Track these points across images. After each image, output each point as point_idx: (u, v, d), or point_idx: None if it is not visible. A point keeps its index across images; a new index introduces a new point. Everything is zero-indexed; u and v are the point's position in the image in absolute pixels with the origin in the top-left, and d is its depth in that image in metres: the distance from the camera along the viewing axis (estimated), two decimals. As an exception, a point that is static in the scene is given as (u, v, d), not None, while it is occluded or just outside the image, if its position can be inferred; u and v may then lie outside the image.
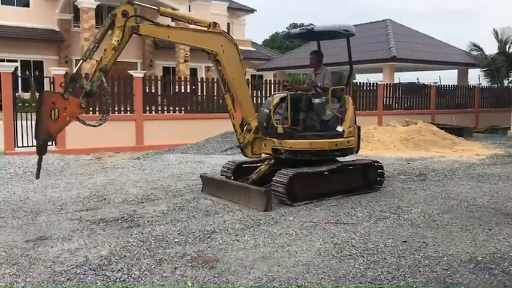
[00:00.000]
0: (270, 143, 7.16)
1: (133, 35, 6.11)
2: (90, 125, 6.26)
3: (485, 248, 4.88)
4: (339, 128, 7.34)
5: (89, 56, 5.89)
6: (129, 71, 13.58)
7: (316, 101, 7.36)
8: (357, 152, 7.80)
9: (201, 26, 6.59)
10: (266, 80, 16.16)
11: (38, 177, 5.99)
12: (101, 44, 6.01)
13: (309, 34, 7.95)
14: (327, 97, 7.28)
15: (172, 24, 6.49)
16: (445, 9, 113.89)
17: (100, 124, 6.29)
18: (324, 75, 7.60)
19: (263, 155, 7.63)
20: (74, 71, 6.12)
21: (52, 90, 11.97)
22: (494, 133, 19.33)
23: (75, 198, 7.02)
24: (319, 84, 7.49)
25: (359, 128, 7.83)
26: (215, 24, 6.60)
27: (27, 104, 20.90)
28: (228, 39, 6.73)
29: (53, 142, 12.01)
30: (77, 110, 5.87)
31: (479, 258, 4.56)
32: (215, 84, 14.63)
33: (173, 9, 23.80)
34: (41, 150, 5.83)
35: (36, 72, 25.65)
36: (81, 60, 6.11)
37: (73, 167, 9.88)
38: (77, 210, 6.32)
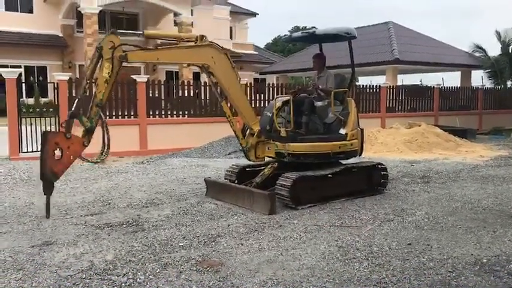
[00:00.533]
0: (273, 146, 7.17)
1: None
2: (93, 162, 6.33)
3: (490, 250, 4.88)
4: (342, 131, 7.35)
5: (83, 93, 6.05)
6: (132, 76, 13.63)
7: (319, 104, 7.38)
8: (360, 155, 7.81)
9: (188, 41, 6.61)
10: (269, 84, 16.17)
11: (48, 217, 6.03)
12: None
13: (311, 37, 7.96)
14: (330, 100, 7.29)
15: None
16: (446, 9, 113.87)
17: (102, 160, 6.35)
18: (327, 78, 7.62)
19: (267, 159, 7.64)
20: (73, 108, 6.07)
21: (56, 94, 12.04)
22: (498, 134, 19.28)
23: (80, 203, 7.05)
24: (320, 87, 7.51)
25: (362, 130, 7.84)
26: (202, 37, 6.61)
27: (31, 110, 20.99)
28: (217, 49, 6.73)
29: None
30: (80, 148, 5.98)
31: (484, 261, 4.56)
32: (218, 88, 14.62)
33: (176, 14, 23.89)
34: (48, 190, 5.94)
35: (40, 78, 25.78)
36: (77, 99, 6.16)
37: (78, 172, 9.92)
38: (82, 215, 6.34)
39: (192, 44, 6.61)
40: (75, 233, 5.51)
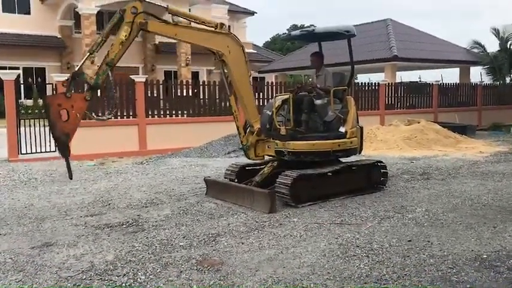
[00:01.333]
0: (273, 144, 7.17)
1: (141, 31, 6.16)
2: (100, 119, 6.31)
3: (490, 245, 4.88)
4: (342, 129, 7.34)
5: (96, 49, 5.92)
6: (130, 76, 13.62)
7: (318, 102, 7.37)
8: (360, 152, 7.81)
9: (208, 26, 6.61)
10: (268, 82, 16.16)
11: (71, 177, 6.01)
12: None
13: (310, 35, 7.96)
14: (329, 98, 7.29)
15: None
16: (447, 9, 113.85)
17: (108, 118, 6.29)
18: (325, 77, 7.62)
19: (266, 157, 7.64)
20: (77, 68, 6.04)
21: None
22: (498, 130, 19.29)
23: (79, 204, 7.05)
24: (318, 85, 7.51)
25: (361, 128, 7.83)
26: (222, 25, 6.66)
27: (30, 111, 20.98)
28: (234, 40, 6.75)
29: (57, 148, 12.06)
30: (83, 104, 5.82)
31: (485, 256, 4.56)
32: (217, 87, 14.66)
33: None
34: (64, 152, 5.88)
35: (39, 79, 25.76)
36: (88, 53, 6.06)
37: (77, 173, 9.89)
38: (81, 216, 6.34)
39: (212, 29, 6.59)
40: (75, 233, 5.51)
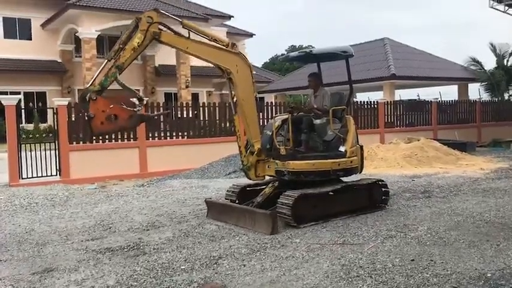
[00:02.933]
0: (273, 165, 7.15)
1: (155, 40, 6.29)
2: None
3: (494, 264, 4.84)
4: (342, 148, 7.37)
5: (113, 56, 6.09)
6: (131, 99, 13.68)
7: (317, 122, 7.42)
8: (360, 172, 7.80)
9: (220, 44, 6.74)
10: (267, 103, 16.25)
11: None
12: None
13: (308, 57, 8.05)
14: (328, 118, 7.32)
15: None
16: (445, 24, 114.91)
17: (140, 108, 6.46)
18: (322, 97, 7.67)
19: (267, 177, 7.63)
20: (95, 76, 6.19)
21: (55, 119, 12.09)
22: (498, 147, 19.29)
23: (80, 228, 7.02)
24: (315, 106, 7.59)
25: (362, 147, 7.85)
26: (233, 44, 6.82)
27: (30, 135, 21.05)
28: (244, 60, 6.85)
29: (58, 172, 12.07)
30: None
31: (489, 275, 4.52)
32: (217, 108, 14.73)
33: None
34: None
35: (40, 104, 25.90)
36: (106, 60, 6.24)
37: (78, 197, 9.89)
38: (82, 240, 6.31)
39: (223, 47, 6.74)
40: (76, 258, 5.48)
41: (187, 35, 6.47)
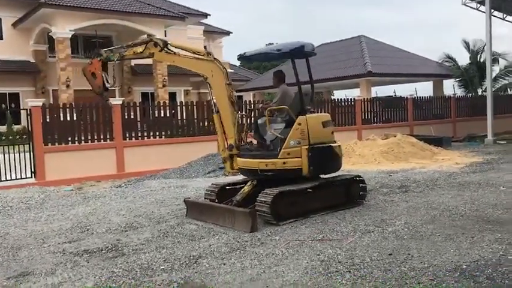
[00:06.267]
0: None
1: None
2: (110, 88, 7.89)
3: (469, 255, 4.94)
4: (278, 149, 7.15)
5: (116, 51, 7.81)
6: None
7: (259, 121, 7.61)
8: (337, 170, 7.74)
9: (197, 55, 7.62)
10: (245, 101, 16.26)
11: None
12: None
13: (263, 55, 8.04)
14: (269, 118, 7.44)
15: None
16: (421, 21, 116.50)
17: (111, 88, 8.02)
18: (277, 95, 7.70)
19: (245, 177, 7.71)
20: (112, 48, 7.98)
21: (29, 121, 11.88)
22: (472, 141, 19.69)
23: (57, 231, 6.91)
24: (261, 105, 7.87)
25: (331, 147, 7.48)
26: (209, 53, 7.58)
27: (3, 137, 20.60)
28: (217, 66, 7.45)
29: (33, 175, 11.85)
30: (98, 64, 7.75)
31: (464, 267, 4.61)
32: (195, 107, 14.66)
33: (149, 35, 24.00)
34: (103, 95, 7.96)
35: (13, 105, 25.35)
36: (124, 46, 7.89)
37: (54, 199, 9.73)
38: (59, 243, 6.21)
39: (201, 56, 7.57)
40: (53, 261, 5.39)
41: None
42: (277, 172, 7.08)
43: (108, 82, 7.77)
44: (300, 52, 7.35)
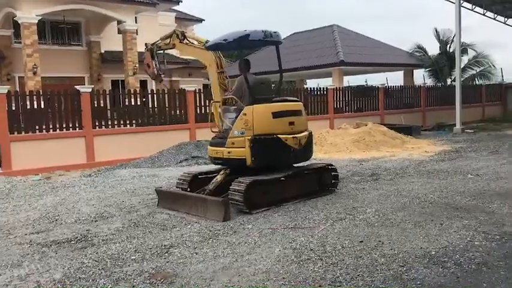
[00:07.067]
0: None
1: None
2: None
3: (438, 242, 5.04)
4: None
5: (157, 44, 8.68)
6: (75, 86, 13.22)
7: (219, 110, 7.63)
8: (308, 159, 7.78)
9: (199, 45, 8.14)
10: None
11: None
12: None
13: (216, 46, 7.69)
14: (225, 107, 7.52)
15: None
16: (393, 12, 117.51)
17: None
18: (237, 84, 7.60)
19: (219, 166, 7.65)
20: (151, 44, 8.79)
21: None
22: (441, 130, 20.10)
23: (24, 221, 6.73)
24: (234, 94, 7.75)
25: (310, 134, 7.66)
26: (207, 41, 8.03)
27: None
28: (211, 55, 7.85)
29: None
30: (149, 55, 8.83)
31: (433, 253, 4.70)
32: (166, 95, 14.47)
33: (120, 22, 23.49)
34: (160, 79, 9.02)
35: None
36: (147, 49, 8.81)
37: (21, 189, 9.48)
38: (26, 234, 6.05)
39: (202, 48, 8.01)
40: (20, 253, 5.25)
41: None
42: (224, 161, 7.26)
43: (159, 69, 8.84)
44: (245, 41, 7.20)
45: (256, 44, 7.59)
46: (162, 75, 9.01)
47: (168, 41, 8.48)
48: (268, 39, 7.45)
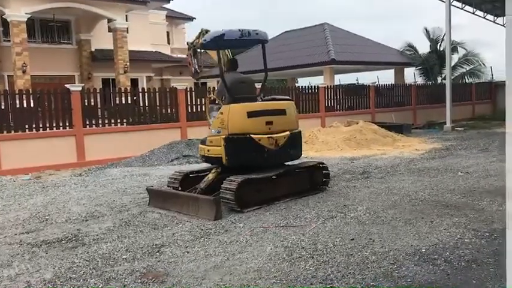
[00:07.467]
0: None
1: None
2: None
3: (428, 239, 5.08)
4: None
5: (192, 43, 8.89)
6: (66, 85, 13.13)
7: (207, 108, 7.76)
8: (298, 158, 7.78)
9: None
10: (209, 88, 16.12)
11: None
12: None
13: (201, 46, 8.00)
14: (211, 106, 7.65)
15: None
16: (385, 12, 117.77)
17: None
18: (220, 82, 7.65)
19: (210, 164, 7.65)
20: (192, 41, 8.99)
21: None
22: (432, 128, 20.22)
23: (14, 221, 6.68)
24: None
25: (299, 132, 7.63)
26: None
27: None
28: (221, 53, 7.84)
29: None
30: (189, 53, 9.18)
31: (423, 250, 4.73)
32: (157, 94, 14.42)
33: (110, 20, 23.34)
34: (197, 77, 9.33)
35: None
36: (199, 33, 8.61)
37: (10, 189, 9.41)
38: (16, 234, 6.01)
39: None
40: (9, 253, 5.21)
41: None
42: (207, 158, 7.41)
43: (197, 68, 9.05)
44: (221, 40, 7.12)
45: (234, 44, 7.54)
46: (197, 75, 9.19)
47: (198, 40, 8.48)
48: (246, 38, 7.32)
